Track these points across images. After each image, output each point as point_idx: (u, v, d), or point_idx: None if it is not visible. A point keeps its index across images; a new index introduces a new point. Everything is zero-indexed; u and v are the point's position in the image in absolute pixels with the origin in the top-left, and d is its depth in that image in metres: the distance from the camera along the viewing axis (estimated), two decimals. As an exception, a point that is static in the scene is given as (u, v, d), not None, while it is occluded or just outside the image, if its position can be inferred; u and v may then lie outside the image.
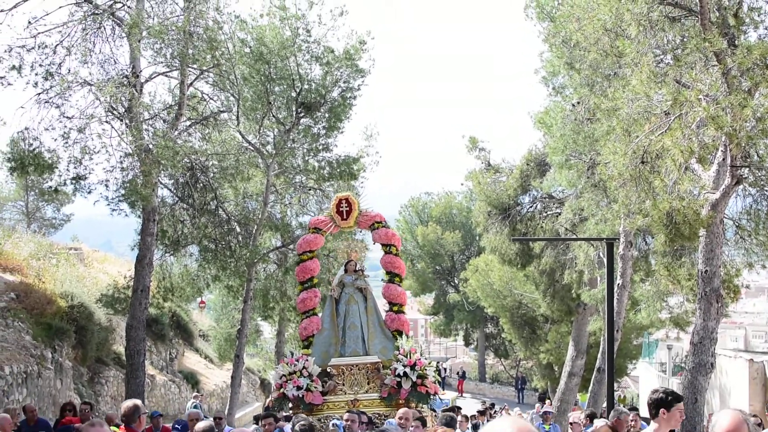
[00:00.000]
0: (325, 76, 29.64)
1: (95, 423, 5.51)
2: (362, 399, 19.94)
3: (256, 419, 13.98)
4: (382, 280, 23.03)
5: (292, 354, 20.93)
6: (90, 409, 17.41)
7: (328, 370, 20.73)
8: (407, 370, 19.83)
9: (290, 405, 20.39)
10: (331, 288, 22.47)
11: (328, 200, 31.78)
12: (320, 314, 22.36)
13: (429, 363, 20.90)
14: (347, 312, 21.83)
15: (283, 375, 20.29)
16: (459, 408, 25.75)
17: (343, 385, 20.63)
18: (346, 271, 22.26)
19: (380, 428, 6.34)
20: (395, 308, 22.19)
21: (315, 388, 20.05)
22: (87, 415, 16.61)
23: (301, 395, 19.83)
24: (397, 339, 21.09)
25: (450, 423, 11.84)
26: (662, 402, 8.23)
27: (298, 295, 22.72)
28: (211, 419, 14.03)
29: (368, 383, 20.66)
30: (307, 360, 20.34)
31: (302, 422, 11.06)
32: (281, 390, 20.23)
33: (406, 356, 20.05)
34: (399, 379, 19.76)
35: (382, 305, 22.96)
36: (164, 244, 29.52)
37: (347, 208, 22.07)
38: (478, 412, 33.06)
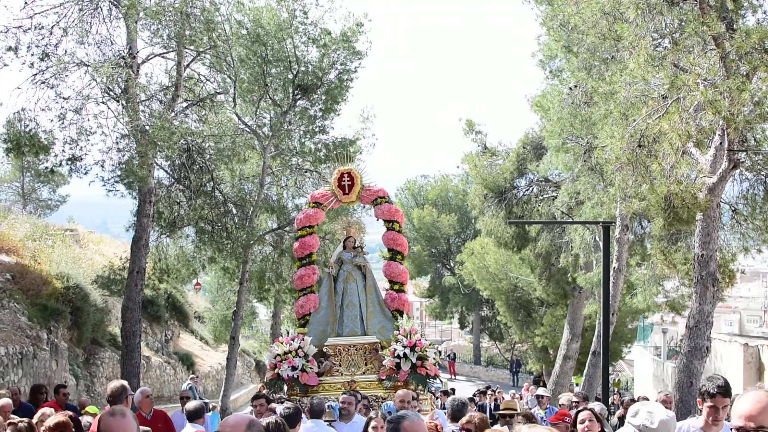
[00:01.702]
0: (322, 58, 29.58)
1: (116, 412, 5.33)
2: (359, 380, 19.66)
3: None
4: (383, 257, 22.81)
5: (288, 333, 20.68)
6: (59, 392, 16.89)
7: (325, 350, 20.50)
8: (407, 351, 19.50)
9: (284, 386, 20.22)
10: (329, 265, 22.24)
11: (324, 182, 31.76)
12: (318, 292, 22.12)
13: (429, 344, 20.69)
14: (345, 290, 21.53)
15: (278, 354, 20.05)
16: (453, 390, 25.66)
17: (340, 365, 20.39)
18: (344, 247, 21.97)
19: (397, 414, 6.16)
20: (396, 287, 21.80)
21: (310, 368, 19.80)
22: (64, 400, 16.31)
23: (296, 376, 19.59)
24: (396, 319, 20.83)
25: (461, 411, 11.54)
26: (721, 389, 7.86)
27: (295, 271, 22.50)
28: (202, 401, 13.99)
29: (366, 364, 20.40)
30: (303, 339, 20.04)
31: (287, 406, 10.99)
32: (276, 370, 20.04)
33: (406, 337, 19.73)
34: (398, 361, 19.47)
35: (382, 284, 22.76)
36: (160, 225, 29.48)
37: (349, 182, 21.64)
38: (479, 392, 33.01)
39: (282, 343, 20.10)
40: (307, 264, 21.86)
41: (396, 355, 19.50)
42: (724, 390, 7.82)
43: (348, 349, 20.56)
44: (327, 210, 22.67)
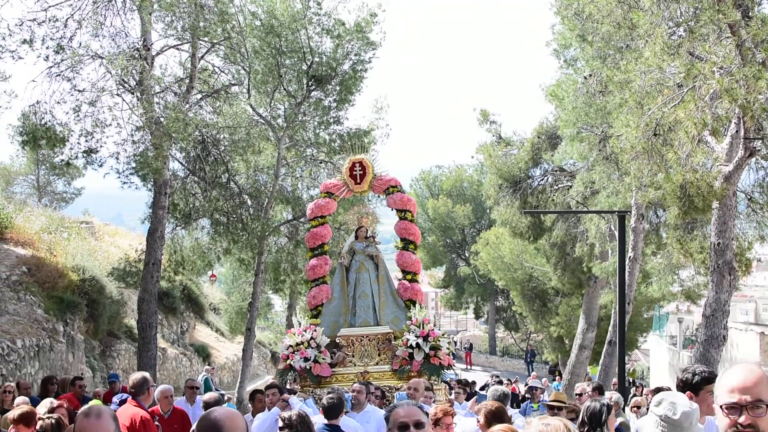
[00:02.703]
0: (336, 49, 29.52)
1: (91, 413, 5.10)
2: (372, 371, 19.49)
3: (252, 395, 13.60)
4: (396, 246, 22.72)
5: (300, 324, 20.65)
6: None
7: (337, 341, 20.41)
8: (420, 341, 19.42)
9: (296, 377, 20.13)
10: (341, 255, 22.19)
11: (339, 173, 31.74)
12: (330, 283, 22.05)
13: (443, 334, 20.61)
14: (357, 280, 21.42)
15: (290, 346, 20.01)
16: (474, 382, 25.45)
17: (353, 356, 20.28)
18: (356, 237, 21.89)
19: (392, 405, 6.18)
20: (408, 277, 21.70)
21: (323, 359, 19.70)
22: (80, 392, 16.34)
23: (308, 367, 19.50)
24: (409, 309, 20.78)
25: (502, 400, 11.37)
26: (688, 384, 7.19)
27: (307, 262, 22.44)
28: (218, 392, 13.96)
29: (379, 355, 20.30)
30: (315, 330, 19.95)
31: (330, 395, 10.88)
32: (288, 361, 20.00)
33: (419, 327, 19.66)
34: (411, 351, 19.39)
35: (395, 274, 22.69)
36: (175, 217, 29.51)
37: (361, 172, 21.49)
38: (496, 381, 32.93)
39: (294, 334, 20.05)
40: (319, 254, 21.77)
41: (409, 345, 19.44)
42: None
43: (361, 340, 20.46)
44: (339, 200, 22.61)
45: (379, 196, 26.53)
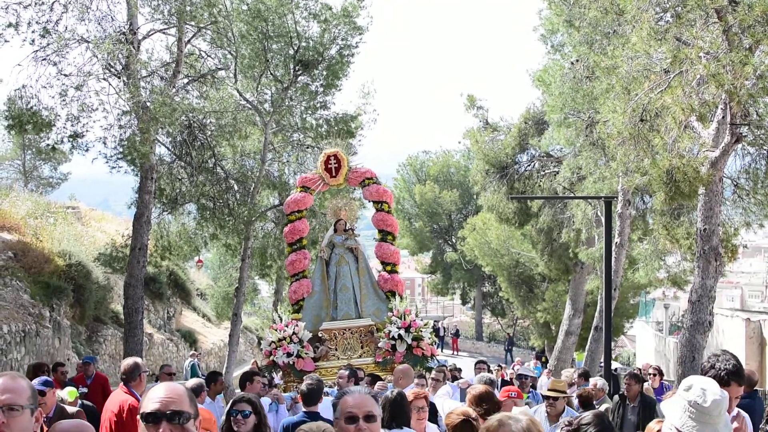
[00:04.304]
0: (323, 34, 29.45)
1: (7, 374, 4.96)
2: (356, 364, 19.29)
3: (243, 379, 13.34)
4: (375, 239, 22.78)
5: (281, 319, 20.56)
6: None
7: (320, 335, 20.47)
8: (402, 332, 19.56)
9: (280, 373, 20.10)
10: (321, 249, 22.22)
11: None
12: (310, 277, 22.08)
13: (425, 324, 20.64)
14: (338, 273, 21.53)
15: (273, 342, 20.01)
16: (460, 369, 25.41)
17: (336, 350, 20.37)
18: (335, 230, 21.98)
19: (341, 391, 5.68)
20: (388, 268, 21.88)
21: (306, 354, 19.75)
22: (62, 378, 16.27)
23: (291, 362, 19.58)
24: (390, 300, 20.85)
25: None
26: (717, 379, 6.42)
27: (286, 256, 22.47)
28: (201, 379, 13.84)
29: (362, 347, 20.41)
30: (297, 325, 20.00)
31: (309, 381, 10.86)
32: (271, 357, 19.98)
33: (401, 318, 19.76)
34: (393, 342, 19.52)
35: (376, 265, 22.75)
36: (162, 202, 29.42)
37: (336, 165, 21.65)
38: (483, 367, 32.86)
39: (276, 330, 20.04)
40: (298, 249, 21.89)
41: (391, 336, 19.52)
42: (738, 376, 6.72)
43: (343, 333, 20.57)
44: (316, 193, 22.68)
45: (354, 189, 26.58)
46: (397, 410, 7.98)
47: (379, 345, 19.72)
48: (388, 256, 21.86)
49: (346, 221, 22.10)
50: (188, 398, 4.27)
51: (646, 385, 16.59)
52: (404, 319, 19.72)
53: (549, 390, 11.50)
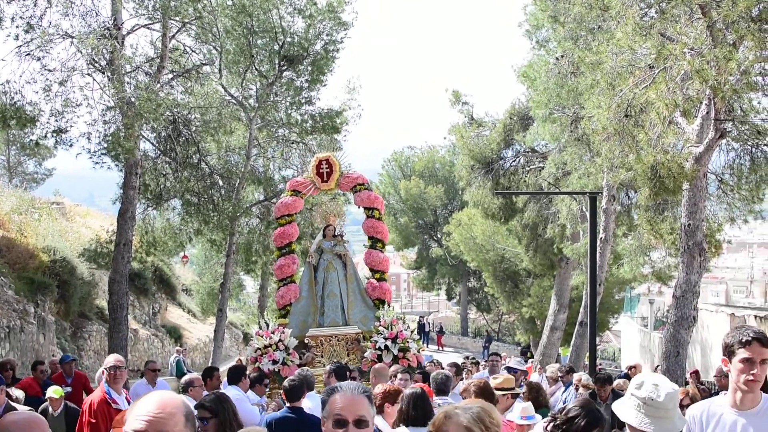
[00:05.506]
0: (307, 29, 29.47)
1: None
2: None
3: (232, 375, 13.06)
4: (364, 245, 22.69)
5: (268, 325, 20.43)
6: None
7: (306, 341, 20.32)
8: (388, 343, 19.49)
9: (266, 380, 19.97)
10: (309, 254, 22.15)
11: (311, 153, 31.72)
12: (298, 281, 21.99)
13: (411, 333, 20.48)
14: (326, 279, 21.42)
15: (258, 348, 19.90)
16: (439, 363, 25.33)
17: (322, 356, 20.20)
18: (324, 236, 21.89)
19: (331, 387, 5.08)
20: (377, 275, 21.76)
21: (292, 361, 19.58)
22: (41, 377, 16.15)
23: (277, 369, 19.47)
24: (378, 308, 20.77)
25: (446, 384, 11.13)
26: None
27: (275, 261, 22.42)
28: (197, 374, 13.77)
29: (348, 355, 20.25)
30: (283, 332, 19.81)
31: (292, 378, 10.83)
32: (256, 364, 19.85)
33: (388, 328, 19.68)
34: (380, 353, 19.46)
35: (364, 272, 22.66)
36: (146, 197, 29.38)
37: (327, 170, 21.46)
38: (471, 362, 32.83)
39: (262, 337, 19.91)
40: (287, 253, 21.80)
41: (377, 347, 19.43)
42: (762, 336, 5.73)
43: (330, 340, 20.43)
44: (306, 197, 22.63)
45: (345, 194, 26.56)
46: (421, 407, 7.85)
47: (365, 355, 19.59)
48: (378, 263, 21.74)
49: (336, 227, 22.04)
50: (182, 416, 3.58)
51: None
52: (391, 330, 19.59)
53: (496, 388, 11.20)
